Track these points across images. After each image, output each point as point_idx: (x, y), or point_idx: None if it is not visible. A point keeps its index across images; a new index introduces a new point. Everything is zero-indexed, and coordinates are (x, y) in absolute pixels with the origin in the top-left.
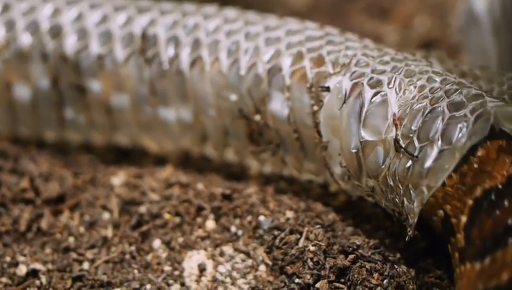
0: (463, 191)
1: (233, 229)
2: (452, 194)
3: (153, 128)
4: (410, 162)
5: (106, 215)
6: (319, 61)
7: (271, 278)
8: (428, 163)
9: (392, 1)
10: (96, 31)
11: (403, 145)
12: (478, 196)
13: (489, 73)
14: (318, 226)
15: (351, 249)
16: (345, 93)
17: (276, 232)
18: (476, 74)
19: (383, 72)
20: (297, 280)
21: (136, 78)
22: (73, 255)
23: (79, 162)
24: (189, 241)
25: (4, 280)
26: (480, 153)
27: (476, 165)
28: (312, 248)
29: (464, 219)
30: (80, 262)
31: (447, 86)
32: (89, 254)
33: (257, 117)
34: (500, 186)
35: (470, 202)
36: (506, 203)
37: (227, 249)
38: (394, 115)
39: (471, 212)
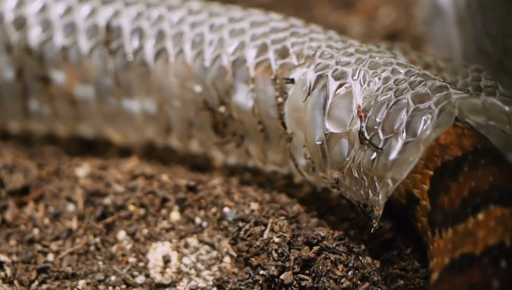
0: (422, 164)
1: (198, 220)
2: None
3: (117, 120)
4: (375, 154)
5: (71, 207)
6: (284, 53)
7: (236, 270)
8: (393, 155)
9: None
10: (61, 22)
11: (368, 137)
12: (438, 165)
13: (453, 65)
14: (283, 217)
15: (315, 240)
16: (310, 85)
17: (240, 224)
18: (439, 66)
19: (347, 63)
20: (262, 272)
21: (100, 70)
22: (38, 246)
23: (43, 153)
24: (154, 232)
25: None
26: None
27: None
28: (277, 240)
29: (426, 187)
30: (45, 254)
31: (412, 78)
32: (54, 246)
33: (222, 109)
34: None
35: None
36: (466, 169)
37: (192, 240)
38: (359, 107)
39: (433, 180)
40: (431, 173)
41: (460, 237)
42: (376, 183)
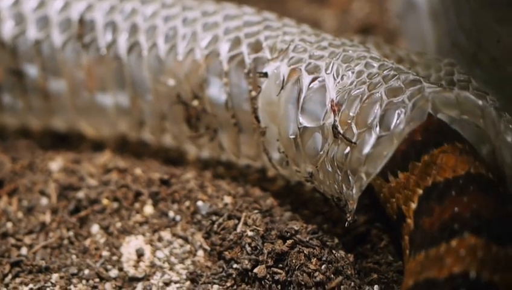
0: (414, 181)
1: (171, 214)
2: (403, 184)
3: (91, 114)
4: (348, 149)
5: (44, 201)
6: (257, 46)
7: (209, 264)
8: (366, 149)
9: None
10: (34, 16)
11: (341, 132)
12: (428, 185)
13: (426, 59)
14: (256, 211)
15: (289, 234)
16: (283, 79)
17: (214, 218)
18: (413, 60)
19: (320, 57)
20: (235, 265)
21: (73, 64)
22: (12, 240)
23: (17, 147)
24: (127, 226)
25: None
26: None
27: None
28: (250, 233)
29: (413, 205)
30: (18, 247)
31: (385, 72)
32: (27, 239)
33: (195, 102)
34: (451, 179)
35: (420, 191)
36: (454, 193)
37: (165, 234)
38: (332, 101)
39: (420, 200)
40: (420, 192)
41: (430, 261)
42: (350, 178)
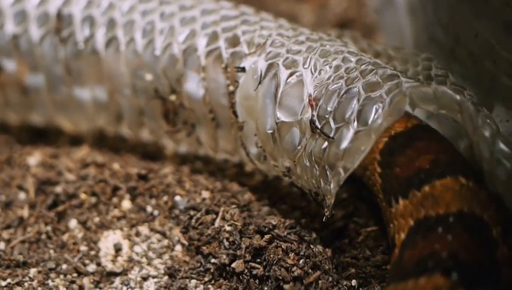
0: (410, 210)
1: (149, 209)
2: (401, 212)
3: (68, 108)
4: (326, 143)
5: (22, 196)
6: (234, 41)
7: (187, 258)
8: (344, 144)
9: None
10: (11, 10)
11: (319, 126)
12: (420, 218)
13: (403, 53)
14: (234, 206)
15: (266, 229)
16: (261, 74)
17: (192, 213)
18: (390, 54)
19: (298, 52)
20: (213, 260)
21: (51, 58)
22: None
23: None
24: (105, 221)
25: None
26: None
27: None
28: (228, 228)
29: (402, 236)
30: None
31: (363, 66)
32: (5, 234)
33: (172, 97)
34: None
35: (411, 222)
36: (440, 230)
37: (143, 229)
38: (310, 95)
39: (410, 232)
40: (412, 223)
41: None
42: (327, 172)
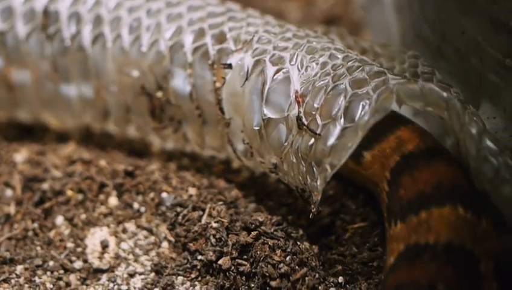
0: (403, 235)
1: (135, 206)
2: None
3: (55, 105)
4: (313, 140)
5: (9, 192)
6: (221, 38)
7: (174, 255)
8: (331, 141)
9: None
10: None
11: (306, 123)
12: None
13: (390, 50)
14: (221, 203)
15: (253, 225)
16: (247, 71)
17: (178, 209)
18: (376, 51)
19: (285, 49)
20: (200, 257)
21: (37, 55)
22: None
23: None
24: (92, 218)
25: None
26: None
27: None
28: (215, 225)
29: (391, 260)
30: None
31: (349, 63)
32: None
33: (159, 94)
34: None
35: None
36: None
37: (130, 225)
38: (296, 92)
39: (398, 257)
40: (402, 248)
41: None
42: (314, 169)
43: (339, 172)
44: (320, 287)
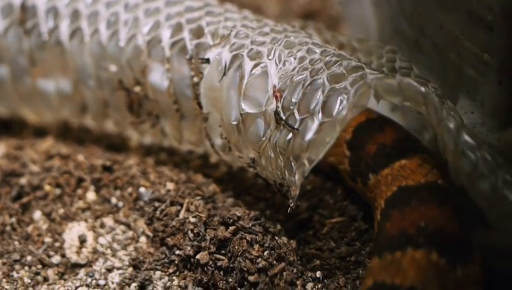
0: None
1: (113, 200)
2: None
3: (33, 100)
4: (291, 135)
5: None
6: (199, 32)
7: (151, 250)
8: (309, 136)
9: None
10: None
11: (284, 118)
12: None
13: (367, 45)
14: (198, 197)
15: (231, 220)
16: (225, 65)
17: (156, 204)
18: (354, 46)
19: (262, 43)
20: (177, 252)
21: (15, 49)
22: None
23: None
24: (70, 212)
25: None
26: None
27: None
28: (192, 220)
29: (378, 213)
30: None
31: (327, 58)
32: None
33: (137, 88)
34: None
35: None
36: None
37: (108, 220)
38: (274, 86)
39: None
40: (370, 283)
41: None
42: (292, 164)
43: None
44: (298, 282)
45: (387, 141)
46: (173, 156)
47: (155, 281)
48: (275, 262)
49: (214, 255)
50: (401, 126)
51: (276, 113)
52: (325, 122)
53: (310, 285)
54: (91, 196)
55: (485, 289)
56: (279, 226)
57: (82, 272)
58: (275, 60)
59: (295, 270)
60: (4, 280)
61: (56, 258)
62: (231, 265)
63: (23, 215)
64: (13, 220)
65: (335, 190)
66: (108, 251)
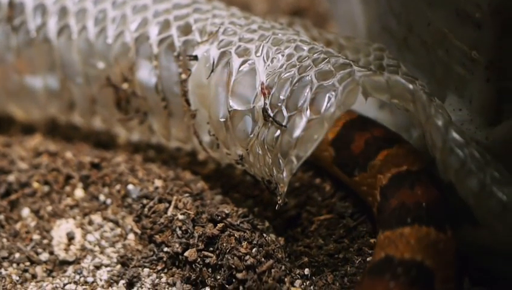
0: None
1: (102, 197)
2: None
3: (21, 97)
4: (278, 132)
5: None
6: (187, 29)
7: (140, 247)
8: (297, 133)
9: None
10: None
11: (272, 115)
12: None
13: (355, 43)
14: (187, 194)
15: (219, 217)
16: (213, 62)
17: (144, 201)
18: (341, 44)
19: (250, 40)
20: (166, 249)
21: (3, 46)
22: None
23: None
24: (58, 210)
25: None
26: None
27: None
28: (181, 217)
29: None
30: None
31: (315, 55)
32: None
33: (125, 85)
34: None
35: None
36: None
37: (96, 217)
38: (262, 83)
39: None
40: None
41: None
42: (280, 161)
43: None
44: (286, 279)
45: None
46: (161, 153)
47: (143, 278)
48: (263, 259)
49: (202, 252)
50: None
51: (264, 110)
52: (313, 119)
53: (298, 282)
54: (79, 193)
55: (474, 286)
56: (267, 224)
57: (70, 269)
58: (263, 57)
59: (283, 267)
60: None
61: (44, 256)
62: (219, 262)
63: (11, 212)
64: (1, 217)
65: (323, 187)
66: (97, 248)
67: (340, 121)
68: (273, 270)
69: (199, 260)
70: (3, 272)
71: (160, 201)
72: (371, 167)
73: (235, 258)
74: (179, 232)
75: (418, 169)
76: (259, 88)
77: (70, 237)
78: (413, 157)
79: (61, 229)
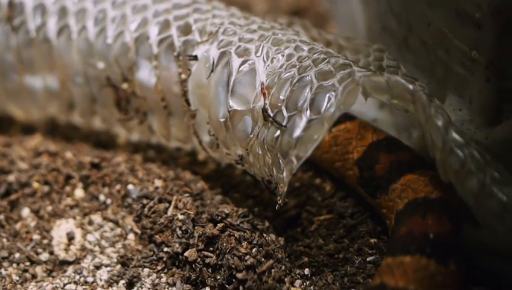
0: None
1: (102, 197)
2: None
3: (20, 97)
4: (278, 132)
5: None
6: (186, 29)
7: (140, 247)
8: (297, 133)
9: None
10: None
11: (271, 115)
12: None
13: (355, 43)
14: (187, 194)
15: (219, 217)
16: (213, 62)
17: (144, 201)
18: (341, 44)
19: (250, 40)
20: (166, 249)
21: (2, 46)
22: None
23: None
24: (58, 209)
25: None
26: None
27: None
28: (181, 217)
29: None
30: None
31: (315, 55)
32: None
33: (124, 85)
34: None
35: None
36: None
37: (96, 217)
38: (262, 84)
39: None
40: None
41: None
42: (280, 161)
43: None
44: (286, 279)
45: None
46: (161, 153)
47: (143, 278)
48: (263, 259)
49: (202, 252)
50: None
51: (264, 110)
52: (313, 120)
53: (298, 282)
54: (79, 193)
55: (474, 286)
56: (267, 223)
57: (70, 269)
58: (263, 57)
59: (283, 267)
60: None
61: (44, 256)
62: (219, 262)
63: (11, 212)
64: (1, 217)
65: (323, 187)
66: (97, 248)
67: (366, 140)
68: (273, 270)
69: (199, 260)
70: (3, 272)
71: (160, 201)
72: (392, 191)
73: (235, 258)
74: (179, 232)
75: (436, 198)
76: (259, 88)
77: (70, 237)
78: (434, 185)
79: (61, 229)
